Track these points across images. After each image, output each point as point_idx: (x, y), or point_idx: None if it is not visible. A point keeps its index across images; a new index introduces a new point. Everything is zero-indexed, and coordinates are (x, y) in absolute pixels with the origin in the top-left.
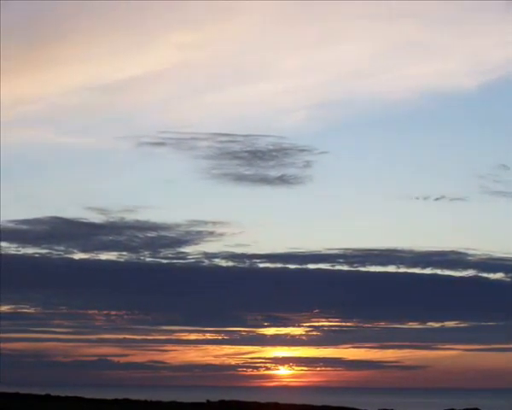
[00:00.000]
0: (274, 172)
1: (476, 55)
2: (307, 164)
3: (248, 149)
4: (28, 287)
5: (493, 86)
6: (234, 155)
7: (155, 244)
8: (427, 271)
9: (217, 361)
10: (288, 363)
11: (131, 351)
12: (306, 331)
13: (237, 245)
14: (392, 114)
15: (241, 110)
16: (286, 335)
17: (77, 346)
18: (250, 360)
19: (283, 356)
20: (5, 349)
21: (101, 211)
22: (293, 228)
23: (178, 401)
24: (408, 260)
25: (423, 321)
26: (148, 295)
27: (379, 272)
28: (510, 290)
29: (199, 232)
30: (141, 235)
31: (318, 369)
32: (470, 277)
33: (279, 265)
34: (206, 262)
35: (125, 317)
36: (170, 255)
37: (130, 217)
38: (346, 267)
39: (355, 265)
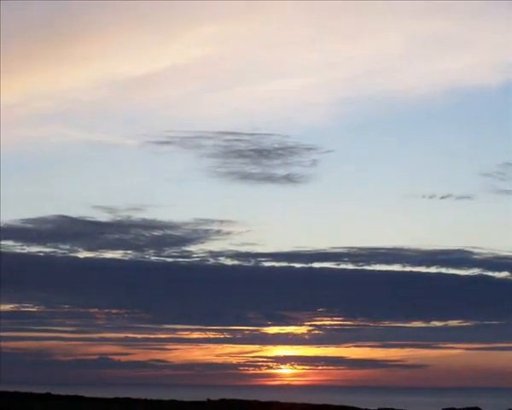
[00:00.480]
0: (280, 171)
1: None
2: (313, 163)
3: (254, 147)
4: (31, 286)
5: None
6: (239, 153)
7: (161, 243)
8: (433, 269)
9: (219, 360)
10: (290, 362)
11: (133, 350)
12: (310, 330)
13: (243, 244)
14: (406, 112)
15: (259, 106)
16: (289, 334)
17: (79, 345)
18: (253, 359)
19: (286, 355)
20: (6, 348)
21: (108, 210)
22: (298, 227)
23: (179, 399)
24: (413, 258)
25: (427, 320)
26: (151, 294)
27: (384, 271)
28: None
29: (205, 231)
30: (147, 233)
31: (321, 368)
32: (475, 275)
33: (284, 264)
34: (211, 261)
35: (128, 315)
36: (174, 254)
37: (137, 215)
38: (350, 266)
39: (360, 264)
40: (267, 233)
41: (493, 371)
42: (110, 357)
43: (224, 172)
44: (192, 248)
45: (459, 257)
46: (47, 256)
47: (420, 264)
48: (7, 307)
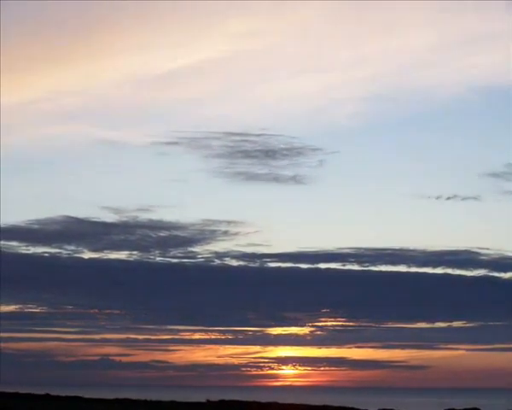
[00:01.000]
0: (287, 172)
1: None
2: (320, 163)
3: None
4: (35, 287)
5: None
6: (247, 154)
7: (167, 244)
8: (439, 270)
9: (221, 361)
10: (294, 363)
11: (136, 351)
12: (314, 331)
13: (248, 245)
14: (427, 111)
15: (284, 105)
16: (293, 335)
17: (81, 346)
18: (256, 360)
19: (290, 356)
20: (9, 349)
21: (115, 210)
22: (304, 227)
23: (178, 400)
24: (419, 259)
25: (432, 321)
26: (154, 295)
27: (390, 272)
28: None
29: (212, 232)
30: (153, 234)
31: (324, 369)
32: (481, 276)
33: (289, 264)
34: (217, 262)
35: (131, 316)
36: (179, 255)
37: (144, 216)
38: (356, 267)
39: (366, 264)
40: (273, 234)
41: (496, 371)
42: (113, 358)
43: (231, 173)
44: (197, 248)
45: (465, 258)
46: (51, 257)
47: (426, 265)
48: (10, 307)
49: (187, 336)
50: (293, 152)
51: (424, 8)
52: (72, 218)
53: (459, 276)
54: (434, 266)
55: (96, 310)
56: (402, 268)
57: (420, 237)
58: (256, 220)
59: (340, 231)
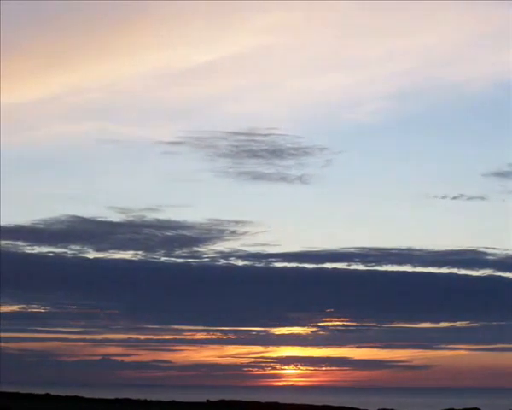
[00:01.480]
0: (293, 171)
1: None
2: (327, 163)
3: (268, 146)
4: (39, 287)
5: None
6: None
7: (173, 243)
8: (444, 270)
9: (224, 361)
10: (297, 363)
11: (138, 351)
12: (317, 331)
13: (254, 244)
14: (436, 110)
15: (313, 99)
16: (296, 335)
17: (84, 346)
18: (259, 360)
19: (293, 356)
20: (11, 349)
21: (122, 210)
22: (310, 227)
23: (178, 400)
24: (425, 259)
25: (436, 321)
26: (158, 295)
27: (395, 272)
28: None
29: (218, 231)
30: (159, 234)
31: (327, 369)
32: (485, 276)
33: (295, 264)
34: (222, 262)
35: (134, 316)
36: (185, 255)
37: (151, 216)
38: (362, 267)
39: (371, 264)
40: (279, 234)
41: (498, 371)
42: (114, 358)
43: (238, 172)
44: (203, 248)
45: (471, 258)
46: (56, 257)
47: (432, 265)
48: (14, 307)
49: (189, 336)
50: (299, 151)
51: (451, 5)
52: (78, 217)
53: (465, 276)
54: (440, 266)
55: (99, 310)
56: (407, 268)
57: (425, 236)
58: (262, 220)
59: (346, 231)
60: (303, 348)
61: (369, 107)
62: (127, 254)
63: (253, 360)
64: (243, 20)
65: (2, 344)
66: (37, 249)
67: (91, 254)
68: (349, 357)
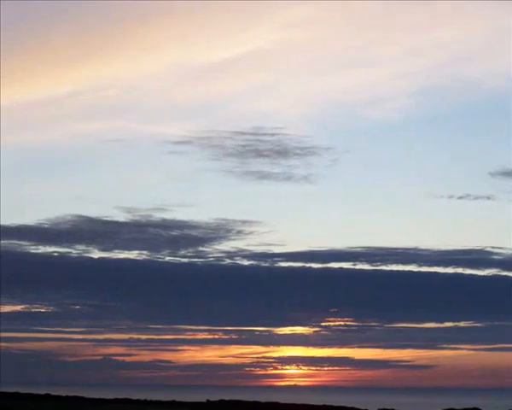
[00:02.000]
0: (299, 171)
1: None
2: (332, 163)
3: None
4: (41, 287)
5: None
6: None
7: (178, 243)
8: (449, 270)
9: (228, 361)
10: (300, 363)
11: (140, 351)
12: (320, 331)
13: (260, 244)
14: (448, 109)
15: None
16: (300, 335)
17: (85, 346)
18: (263, 360)
19: (296, 356)
20: (12, 349)
21: (129, 209)
22: (315, 227)
23: (178, 400)
24: (431, 259)
25: (441, 321)
26: (161, 295)
27: (401, 271)
28: None
29: (224, 231)
30: (164, 233)
31: (330, 369)
32: (492, 275)
33: (300, 264)
34: (227, 261)
35: (136, 316)
36: (189, 254)
37: (157, 215)
38: (367, 266)
39: (377, 264)
40: (285, 233)
41: (499, 371)
42: (118, 358)
43: (243, 172)
44: (208, 248)
45: (477, 257)
46: (61, 256)
47: (437, 264)
48: (17, 307)
49: (191, 336)
50: (305, 151)
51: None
52: (84, 217)
53: (470, 275)
54: (445, 266)
55: (106, 310)
56: (413, 268)
57: (432, 236)
58: (268, 220)
59: (352, 231)
60: (307, 348)
61: (376, 106)
62: (132, 254)
63: (256, 359)
64: (261, 17)
65: (5, 344)
66: (41, 249)
67: (96, 254)
68: (352, 357)
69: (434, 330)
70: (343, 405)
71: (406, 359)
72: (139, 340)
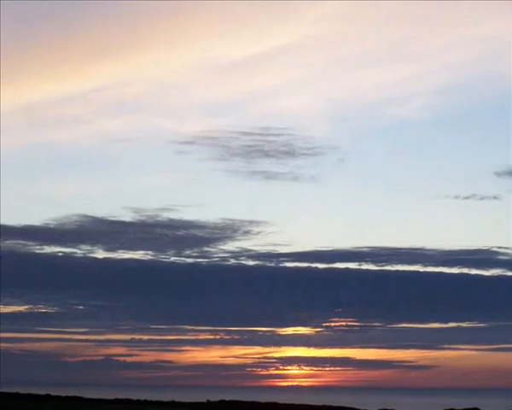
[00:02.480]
0: (306, 171)
1: None
2: (339, 162)
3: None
4: (46, 287)
5: None
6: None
7: (183, 243)
8: (455, 270)
9: (229, 361)
10: (303, 363)
11: (142, 352)
12: (323, 332)
13: (265, 244)
14: (452, 110)
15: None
16: (303, 335)
17: (86, 346)
18: (267, 360)
19: (299, 356)
20: (13, 349)
21: (136, 209)
22: (320, 227)
23: (178, 400)
24: (437, 259)
25: (445, 321)
26: (164, 295)
27: (406, 271)
28: None
29: (231, 231)
30: (170, 233)
31: (332, 369)
32: (498, 276)
33: (306, 264)
34: (232, 261)
35: (139, 317)
36: (194, 255)
37: (164, 215)
38: (372, 266)
39: (383, 264)
40: (291, 233)
41: (500, 371)
42: (120, 358)
43: (250, 172)
44: (213, 248)
45: (483, 257)
46: (65, 257)
47: (443, 264)
48: (21, 308)
49: (193, 336)
50: (312, 151)
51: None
52: (89, 217)
53: (476, 275)
54: (451, 266)
55: (108, 311)
56: (419, 268)
57: (438, 236)
58: (275, 219)
59: (357, 231)
60: (310, 348)
61: (380, 105)
62: (137, 254)
63: (258, 360)
64: (288, 12)
65: (6, 345)
66: (46, 249)
67: (101, 254)
68: (354, 357)
69: (439, 330)
70: (344, 405)
71: (409, 359)
72: (141, 340)
